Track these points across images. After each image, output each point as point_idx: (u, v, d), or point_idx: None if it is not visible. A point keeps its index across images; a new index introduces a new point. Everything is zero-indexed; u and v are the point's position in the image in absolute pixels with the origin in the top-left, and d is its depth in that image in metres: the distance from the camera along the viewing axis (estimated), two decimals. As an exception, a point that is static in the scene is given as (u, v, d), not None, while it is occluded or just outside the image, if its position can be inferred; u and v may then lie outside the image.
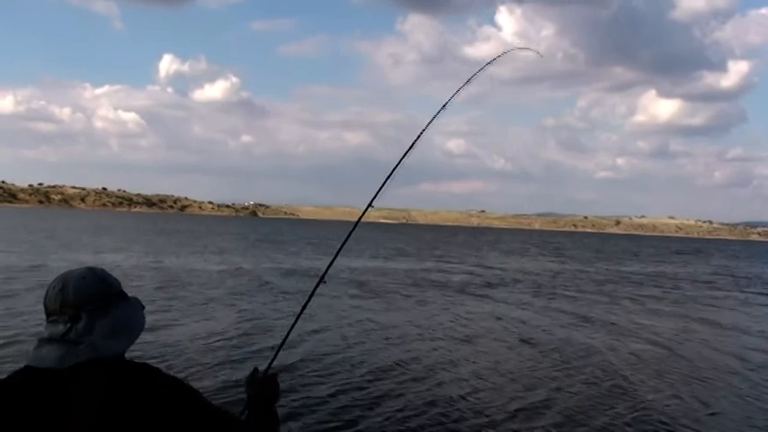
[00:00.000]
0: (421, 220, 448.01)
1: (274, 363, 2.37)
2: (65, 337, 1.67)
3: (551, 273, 34.88)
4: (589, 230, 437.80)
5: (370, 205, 3.26)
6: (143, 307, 1.85)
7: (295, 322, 2.70)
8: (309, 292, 2.79)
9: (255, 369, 2.15)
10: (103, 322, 1.71)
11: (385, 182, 3.10)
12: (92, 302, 1.71)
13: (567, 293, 23.92)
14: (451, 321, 16.08)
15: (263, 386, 2.06)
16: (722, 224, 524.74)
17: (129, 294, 1.85)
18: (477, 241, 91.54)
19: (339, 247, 2.96)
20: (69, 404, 1.59)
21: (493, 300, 20.91)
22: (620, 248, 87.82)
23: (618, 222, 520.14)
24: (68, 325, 1.68)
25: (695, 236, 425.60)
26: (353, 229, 3.07)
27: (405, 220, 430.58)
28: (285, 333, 2.68)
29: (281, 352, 2.53)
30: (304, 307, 2.72)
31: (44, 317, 1.75)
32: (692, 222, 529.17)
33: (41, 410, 1.59)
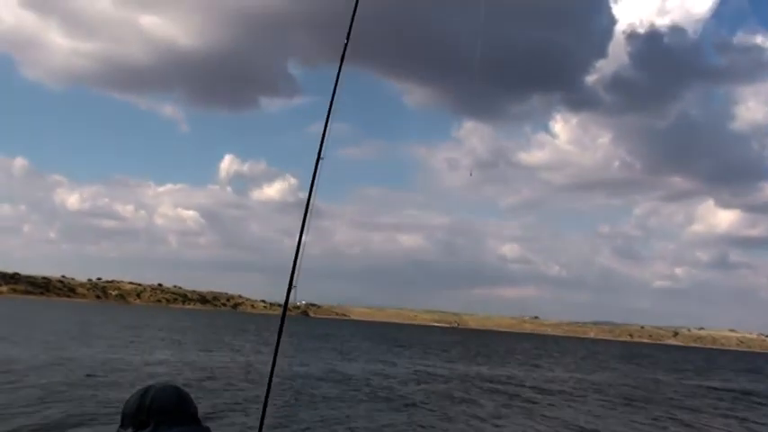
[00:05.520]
0: (472, 325, 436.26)
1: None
2: None
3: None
4: (645, 341, 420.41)
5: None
6: None
7: (273, 368, 2.45)
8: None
9: None
10: None
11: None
12: (164, 413, 1.75)
13: None
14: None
15: None
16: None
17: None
18: (566, 350, 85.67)
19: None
20: None
21: None
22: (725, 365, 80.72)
23: (676, 333, 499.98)
24: (135, 430, 1.74)
25: (758, 350, 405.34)
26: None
27: (456, 324, 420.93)
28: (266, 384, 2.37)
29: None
30: (278, 341, 2.52)
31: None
32: (755, 336, 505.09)
33: None
